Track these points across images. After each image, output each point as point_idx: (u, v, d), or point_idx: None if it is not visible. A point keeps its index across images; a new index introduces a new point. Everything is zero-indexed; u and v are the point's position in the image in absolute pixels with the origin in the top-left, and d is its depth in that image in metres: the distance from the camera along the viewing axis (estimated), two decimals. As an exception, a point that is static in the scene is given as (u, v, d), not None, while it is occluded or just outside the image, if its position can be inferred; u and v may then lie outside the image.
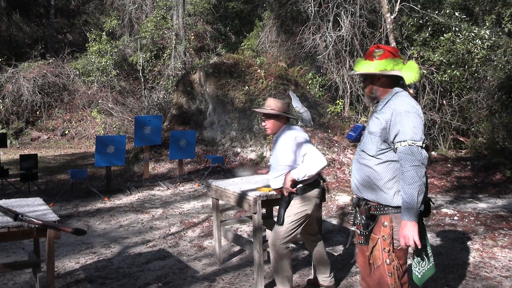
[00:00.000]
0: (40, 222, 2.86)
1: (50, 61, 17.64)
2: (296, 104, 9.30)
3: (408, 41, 9.83)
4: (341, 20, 10.17)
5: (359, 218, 2.54)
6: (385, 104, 2.48)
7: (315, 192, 3.41)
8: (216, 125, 9.85)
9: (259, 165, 9.08)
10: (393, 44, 8.48)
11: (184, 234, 5.36)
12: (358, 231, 2.54)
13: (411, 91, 2.51)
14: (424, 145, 2.34)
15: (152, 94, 17.27)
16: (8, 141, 13.01)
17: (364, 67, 2.53)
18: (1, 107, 15.27)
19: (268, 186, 3.75)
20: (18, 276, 4.14)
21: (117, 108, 16.93)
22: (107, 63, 17.24)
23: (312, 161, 3.30)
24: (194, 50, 18.64)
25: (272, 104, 3.51)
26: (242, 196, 3.75)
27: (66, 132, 15.92)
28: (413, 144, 2.30)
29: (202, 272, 4.16)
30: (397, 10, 9.07)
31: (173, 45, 17.29)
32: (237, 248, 4.78)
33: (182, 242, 5.08)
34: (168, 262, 4.46)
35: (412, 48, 9.55)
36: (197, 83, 10.24)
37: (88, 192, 7.65)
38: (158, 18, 17.97)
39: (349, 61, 10.13)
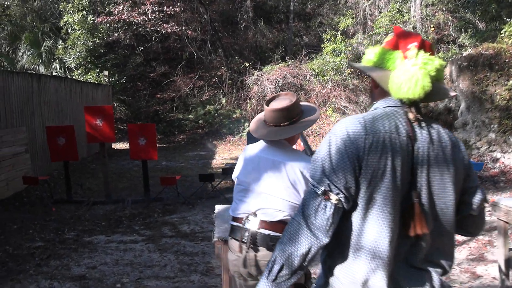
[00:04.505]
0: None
1: (289, 63, 18.73)
2: None
3: None
4: None
5: None
6: None
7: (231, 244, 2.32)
8: (470, 125, 8.64)
9: (527, 175, 7.56)
10: None
11: (449, 254, 4.64)
12: None
13: (410, 115, 1.39)
14: (336, 199, 1.32)
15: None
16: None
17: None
18: (249, 107, 16.89)
19: None
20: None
21: (350, 107, 16.99)
22: (341, 62, 17.38)
23: None
24: (432, 43, 17.25)
25: None
26: (553, 224, 2.90)
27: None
28: (314, 187, 1.35)
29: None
30: None
31: (410, 39, 16.30)
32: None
33: (449, 264, 4.38)
34: (435, 287, 3.86)
35: None
36: (447, 79, 9.18)
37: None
38: (393, 12, 17.24)
39: None
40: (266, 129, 2.31)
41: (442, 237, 1.41)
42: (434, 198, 1.38)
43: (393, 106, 1.43)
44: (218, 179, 8.11)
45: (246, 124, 16.88)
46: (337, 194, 1.31)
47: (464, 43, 16.18)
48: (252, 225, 2.16)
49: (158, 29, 17.13)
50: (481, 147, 8.44)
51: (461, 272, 4.16)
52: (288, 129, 2.29)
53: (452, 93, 1.47)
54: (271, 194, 2.19)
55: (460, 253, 4.64)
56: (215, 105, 17.85)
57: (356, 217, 1.33)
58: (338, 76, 17.76)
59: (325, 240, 1.32)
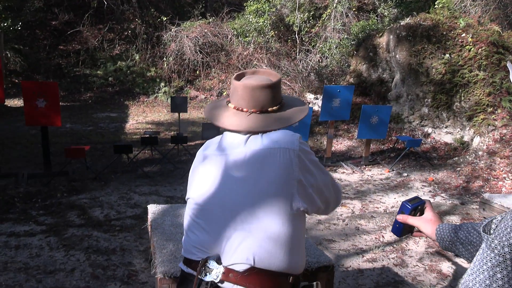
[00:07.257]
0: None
1: (210, 20, 17.49)
2: (517, 79, 7.35)
3: None
4: None
5: None
6: None
7: None
8: (404, 98, 8.37)
9: (457, 151, 7.47)
10: None
11: (406, 246, 4.19)
12: None
13: None
14: None
15: (308, 57, 16.46)
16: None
17: None
18: (165, 65, 15.56)
19: None
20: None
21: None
22: (264, 24, 16.63)
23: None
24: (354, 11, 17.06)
25: None
26: None
27: (224, 93, 15.75)
28: None
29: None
30: None
31: (334, 5, 15.93)
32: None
33: (409, 259, 3.91)
34: (403, 291, 3.36)
35: None
36: (383, 48, 8.79)
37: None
38: (318, -24, 16.74)
39: None
40: (245, 117, 1.46)
41: None
42: None
43: None
44: (135, 148, 7.04)
45: (162, 84, 15.59)
46: None
47: (383, 13, 16.19)
48: (213, 275, 1.34)
49: (61, -30, 14.91)
50: (413, 121, 8.23)
51: (426, 271, 3.70)
52: (282, 115, 1.49)
53: None
54: (252, 222, 1.33)
55: (417, 245, 4.21)
56: (127, 61, 16.24)
57: None
58: (261, 38, 16.99)
59: None
